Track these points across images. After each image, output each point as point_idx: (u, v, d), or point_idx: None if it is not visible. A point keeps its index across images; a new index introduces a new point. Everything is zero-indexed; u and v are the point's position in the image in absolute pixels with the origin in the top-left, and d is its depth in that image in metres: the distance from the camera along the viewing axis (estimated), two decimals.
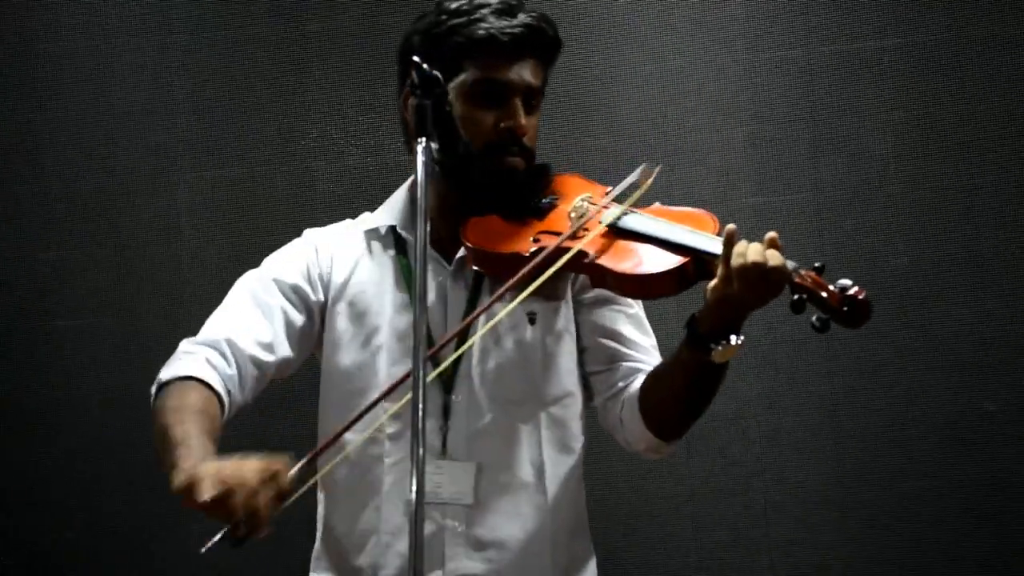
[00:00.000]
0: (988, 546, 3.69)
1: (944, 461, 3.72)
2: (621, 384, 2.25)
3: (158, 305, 3.89)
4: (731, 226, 2.00)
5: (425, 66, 1.95)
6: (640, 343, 2.28)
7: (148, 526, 3.87)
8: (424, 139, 1.91)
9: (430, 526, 2.18)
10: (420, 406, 1.77)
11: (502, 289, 2.11)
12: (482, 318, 2.16)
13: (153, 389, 2.16)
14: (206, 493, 1.84)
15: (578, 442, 2.29)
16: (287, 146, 3.96)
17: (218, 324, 2.25)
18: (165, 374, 2.16)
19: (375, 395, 2.17)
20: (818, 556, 3.75)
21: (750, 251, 1.96)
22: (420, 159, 1.89)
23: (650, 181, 2.22)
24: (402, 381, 2.11)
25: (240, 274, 2.36)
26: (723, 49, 3.87)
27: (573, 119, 3.89)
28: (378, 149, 3.90)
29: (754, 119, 3.85)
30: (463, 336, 2.18)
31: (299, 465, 1.96)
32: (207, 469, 1.88)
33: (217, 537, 1.90)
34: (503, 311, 2.14)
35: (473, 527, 2.19)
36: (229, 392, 2.17)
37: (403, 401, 2.08)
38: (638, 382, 2.23)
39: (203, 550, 1.92)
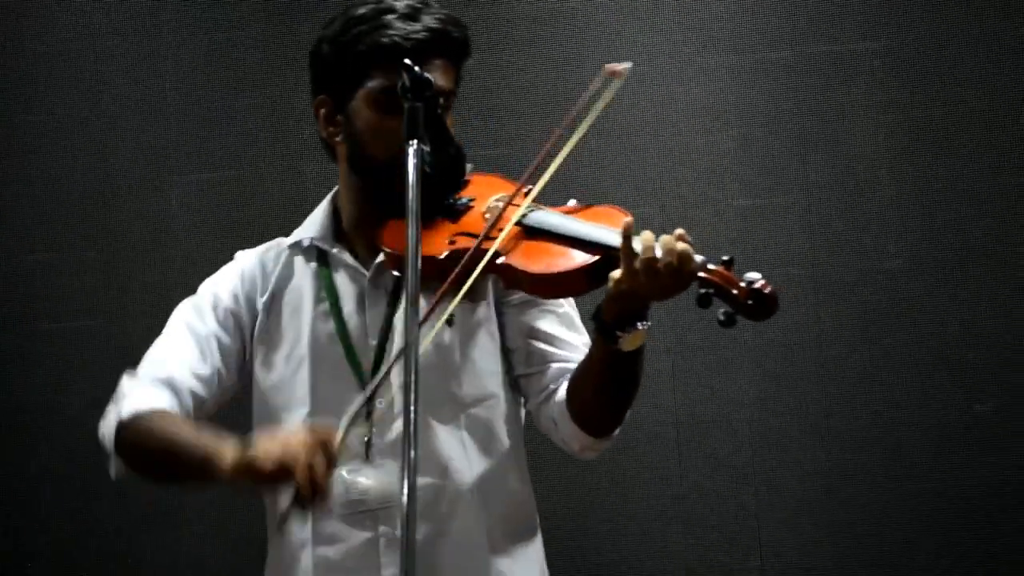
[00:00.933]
0: (981, 549, 3.70)
1: (935, 463, 3.72)
2: (552, 386, 2.22)
3: (149, 307, 3.88)
4: (627, 219, 1.97)
5: (416, 68, 1.94)
6: (570, 342, 2.25)
7: (137, 529, 3.87)
8: (415, 141, 1.91)
9: (364, 534, 2.17)
10: (412, 409, 1.77)
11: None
12: (398, 326, 2.17)
13: (110, 429, 2.18)
14: (267, 469, 1.94)
15: (505, 443, 2.25)
16: (278, 148, 3.96)
17: (156, 360, 2.26)
18: (125, 410, 2.17)
19: (301, 409, 2.20)
20: (808, 558, 3.75)
21: (658, 245, 1.92)
22: (411, 161, 1.89)
23: (619, 80, 2.18)
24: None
25: None
26: (710, 51, 3.87)
27: (561, 120, 3.88)
28: None
29: (742, 121, 3.85)
30: (382, 346, 2.19)
31: (344, 430, 2.00)
32: (260, 448, 1.97)
33: (288, 509, 2.00)
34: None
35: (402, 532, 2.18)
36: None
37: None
38: (568, 380, 2.21)
39: (279, 526, 2.11)
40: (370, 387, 2.12)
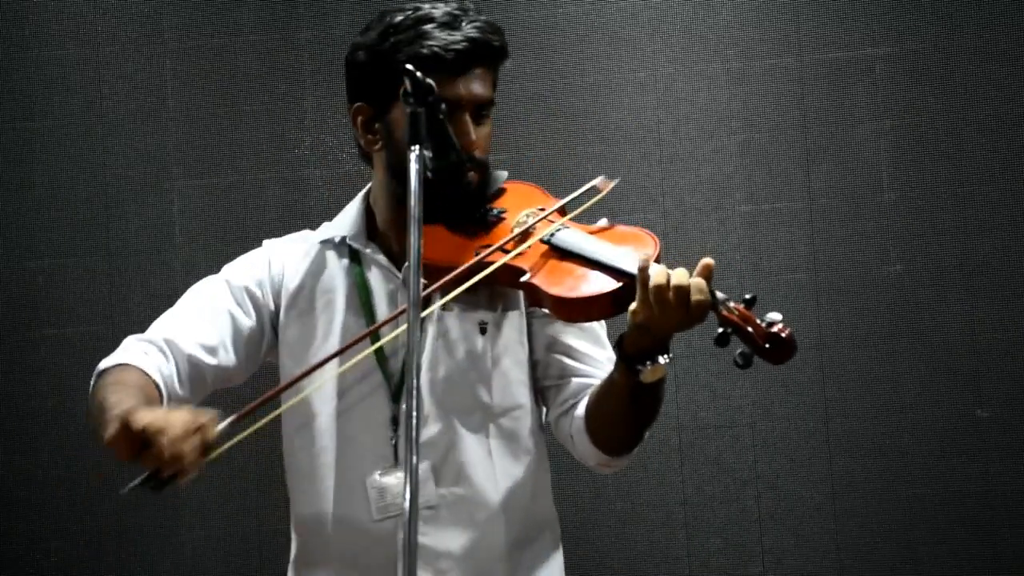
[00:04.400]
0: (983, 554, 3.70)
1: (937, 468, 3.72)
2: (572, 401, 2.21)
3: (150, 313, 3.85)
4: (645, 252, 1.98)
5: (419, 74, 1.93)
6: (593, 356, 2.23)
7: (140, 533, 3.86)
8: (417, 147, 1.91)
9: (390, 537, 2.16)
10: (415, 414, 1.78)
11: (428, 290, 2.09)
12: (431, 324, 2.16)
13: (92, 380, 2.17)
14: (134, 431, 1.87)
15: (530, 453, 2.24)
16: (280, 154, 3.96)
17: (162, 324, 2.27)
18: (103, 363, 2.17)
19: (328, 404, 2.20)
20: (811, 564, 3.75)
21: (673, 277, 1.92)
22: (413, 167, 1.89)
23: (604, 193, 2.21)
24: (350, 346, 2.13)
25: None
26: (715, 57, 3.88)
27: (566, 126, 3.89)
28: None
29: (746, 127, 3.85)
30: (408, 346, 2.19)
31: (228, 421, 1.96)
32: (136, 416, 1.90)
33: (140, 479, 1.92)
34: (429, 311, 2.13)
35: (425, 538, 2.15)
36: (166, 384, 2.17)
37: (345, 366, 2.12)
38: (588, 398, 2.20)
39: (124, 491, 1.95)
40: (249, 408, 2.07)
